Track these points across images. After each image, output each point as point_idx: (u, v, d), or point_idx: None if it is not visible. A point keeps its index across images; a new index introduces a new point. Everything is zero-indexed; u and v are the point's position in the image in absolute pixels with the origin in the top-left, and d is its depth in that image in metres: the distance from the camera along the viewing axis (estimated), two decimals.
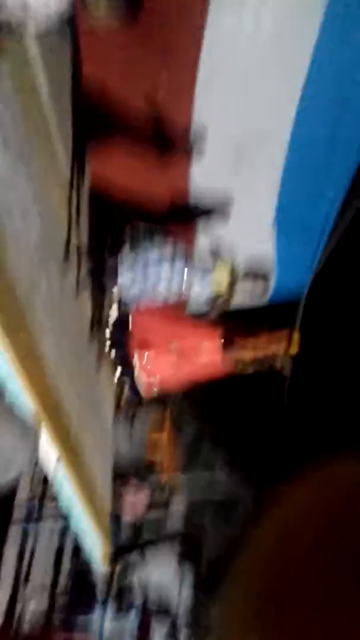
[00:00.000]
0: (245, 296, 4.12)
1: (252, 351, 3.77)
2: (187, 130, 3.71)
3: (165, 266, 3.53)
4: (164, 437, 8.41)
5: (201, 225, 4.16)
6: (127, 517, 7.60)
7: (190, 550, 8.54)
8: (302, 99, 3.66)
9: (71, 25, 3.04)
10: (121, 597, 7.18)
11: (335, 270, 5.00)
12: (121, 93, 3.48)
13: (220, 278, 3.81)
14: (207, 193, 4.10)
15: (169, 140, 3.66)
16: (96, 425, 3.71)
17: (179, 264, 3.57)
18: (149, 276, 3.36)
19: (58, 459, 2.56)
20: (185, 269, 3.62)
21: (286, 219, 4.43)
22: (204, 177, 4.03)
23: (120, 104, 3.52)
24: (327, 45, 3.43)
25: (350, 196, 4.36)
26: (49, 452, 2.56)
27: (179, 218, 4.09)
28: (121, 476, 6.94)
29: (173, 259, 3.60)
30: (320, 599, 0.49)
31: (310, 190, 4.25)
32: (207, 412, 8.86)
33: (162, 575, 7.96)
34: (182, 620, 7.82)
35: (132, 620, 6.20)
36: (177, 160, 3.78)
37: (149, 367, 3.84)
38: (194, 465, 9.42)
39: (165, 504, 8.65)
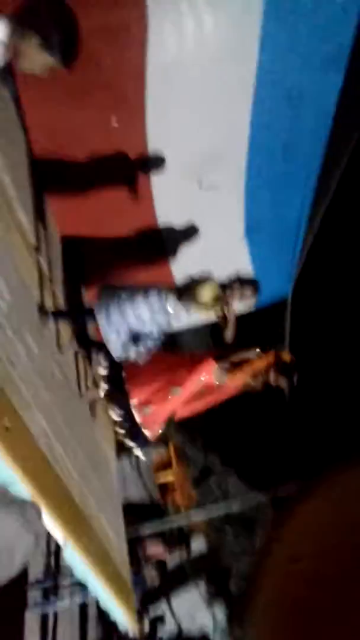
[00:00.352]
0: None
1: (247, 372, 3.60)
2: (143, 159, 3.59)
3: (146, 309, 3.39)
4: (174, 475, 8.23)
5: (174, 255, 4.05)
6: (149, 567, 7.38)
7: (217, 585, 8.33)
8: (255, 108, 3.59)
9: (8, 74, 2.90)
10: None
11: (316, 273, 4.95)
12: (70, 135, 3.35)
13: (205, 301, 3.65)
14: (175, 220, 3.99)
15: (128, 174, 3.54)
16: (101, 485, 3.49)
17: (158, 303, 3.42)
18: (131, 324, 3.20)
19: (65, 538, 2.36)
20: (167, 306, 3.47)
21: (257, 231, 4.35)
22: (168, 204, 3.92)
23: (72, 146, 3.39)
24: (271, 51, 3.36)
25: (320, 196, 4.29)
26: (54, 531, 2.35)
27: (152, 252, 3.97)
28: (135, 522, 6.72)
29: (152, 300, 3.45)
30: (337, 615, 0.52)
31: (276, 198, 4.17)
32: (210, 437, 8.72)
33: (193, 617, 7.72)
34: None
35: None
36: (139, 191, 3.66)
37: (152, 420, 3.67)
38: (208, 496, 9.25)
39: (186, 544, 8.47)
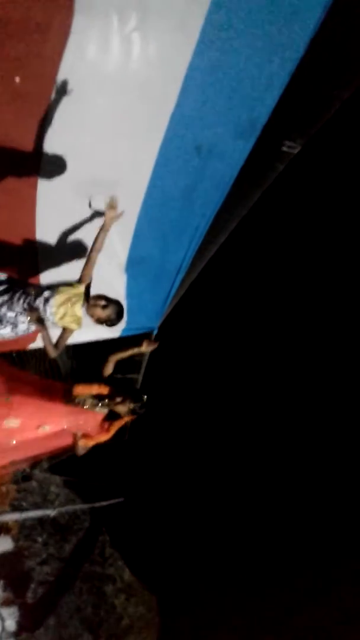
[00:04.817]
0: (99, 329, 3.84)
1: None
2: (35, 163, 3.34)
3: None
4: None
5: (46, 270, 3.82)
6: None
7: (14, 590, 8.06)
8: (162, 150, 3.54)
9: None
10: None
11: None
12: None
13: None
14: (54, 234, 3.77)
15: (15, 174, 3.26)
16: None
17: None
18: None
19: None
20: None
21: (138, 266, 4.30)
22: (51, 215, 3.68)
23: None
24: (191, 98, 3.35)
25: (204, 249, 4.39)
26: None
27: (24, 264, 3.70)
28: None
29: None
30: None
31: (163, 240, 4.18)
32: None
33: None
34: None
35: None
36: (23, 195, 3.40)
37: None
38: (26, 496, 8.94)
39: None
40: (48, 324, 3.26)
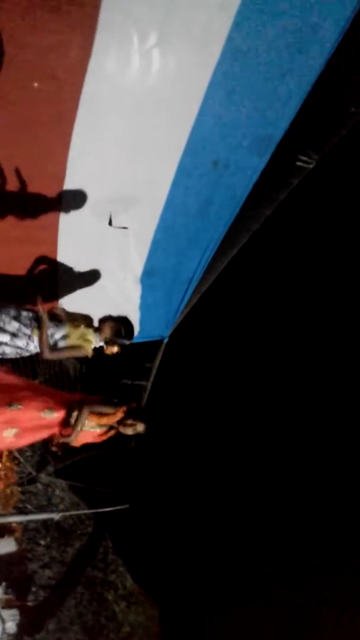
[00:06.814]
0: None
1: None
2: (58, 185, 3.41)
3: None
4: (2, 468, 7.88)
5: (65, 285, 3.89)
6: None
7: (16, 592, 8.07)
8: (180, 164, 3.61)
9: None
10: None
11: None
12: None
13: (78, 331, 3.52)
14: (75, 249, 3.84)
15: (38, 197, 3.33)
16: None
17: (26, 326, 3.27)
18: None
19: None
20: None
21: (152, 276, 4.36)
22: (73, 234, 3.75)
23: None
24: (210, 115, 3.41)
25: (218, 259, 4.45)
26: None
27: (44, 278, 3.77)
28: None
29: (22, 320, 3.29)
30: None
31: (178, 251, 4.25)
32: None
33: None
34: None
35: None
36: (45, 221, 3.47)
37: None
38: (31, 499, 8.97)
39: None
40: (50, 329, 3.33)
